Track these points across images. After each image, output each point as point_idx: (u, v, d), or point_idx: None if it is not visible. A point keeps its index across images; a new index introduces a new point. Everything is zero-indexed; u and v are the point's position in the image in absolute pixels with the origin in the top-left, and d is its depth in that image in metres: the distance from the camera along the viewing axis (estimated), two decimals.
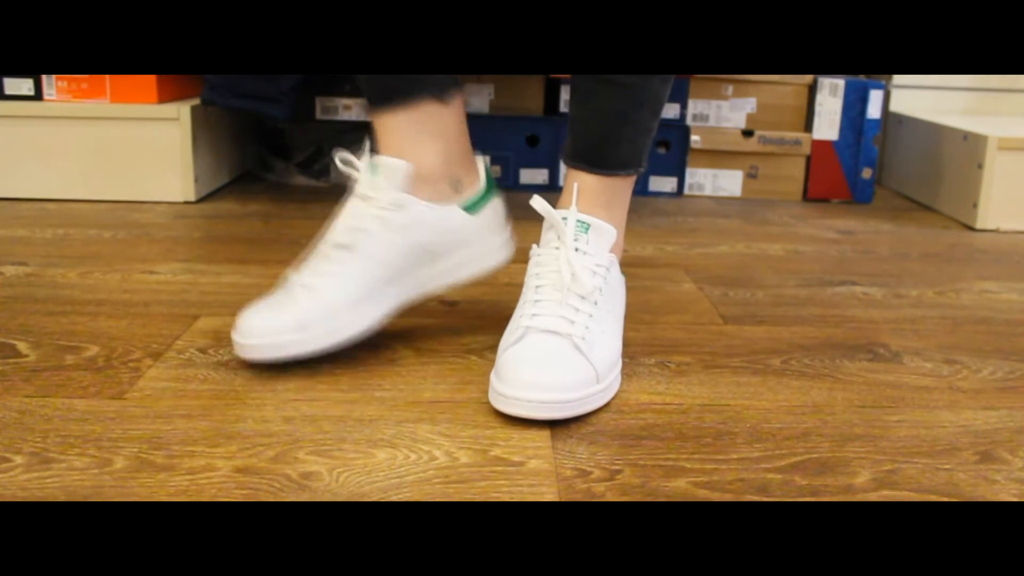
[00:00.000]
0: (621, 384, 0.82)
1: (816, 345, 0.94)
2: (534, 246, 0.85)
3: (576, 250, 0.81)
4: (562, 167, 1.13)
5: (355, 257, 0.85)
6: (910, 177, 1.83)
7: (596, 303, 0.80)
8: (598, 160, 0.85)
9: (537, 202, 0.82)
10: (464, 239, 0.90)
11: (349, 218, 0.86)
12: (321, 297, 0.83)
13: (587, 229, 0.82)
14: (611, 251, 0.84)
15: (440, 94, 0.89)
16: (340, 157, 0.88)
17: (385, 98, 0.89)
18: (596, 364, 0.76)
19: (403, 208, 0.86)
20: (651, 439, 0.72)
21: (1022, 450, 0.72)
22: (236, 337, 0.82)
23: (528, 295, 0.81)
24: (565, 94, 1.70)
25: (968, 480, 0.67)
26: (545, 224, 0.84)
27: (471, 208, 0.90)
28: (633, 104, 0.83)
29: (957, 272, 1.27)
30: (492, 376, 0.77)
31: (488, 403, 0.76)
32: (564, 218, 0.82)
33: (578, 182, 0.85)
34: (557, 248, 0.82)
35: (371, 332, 0.86)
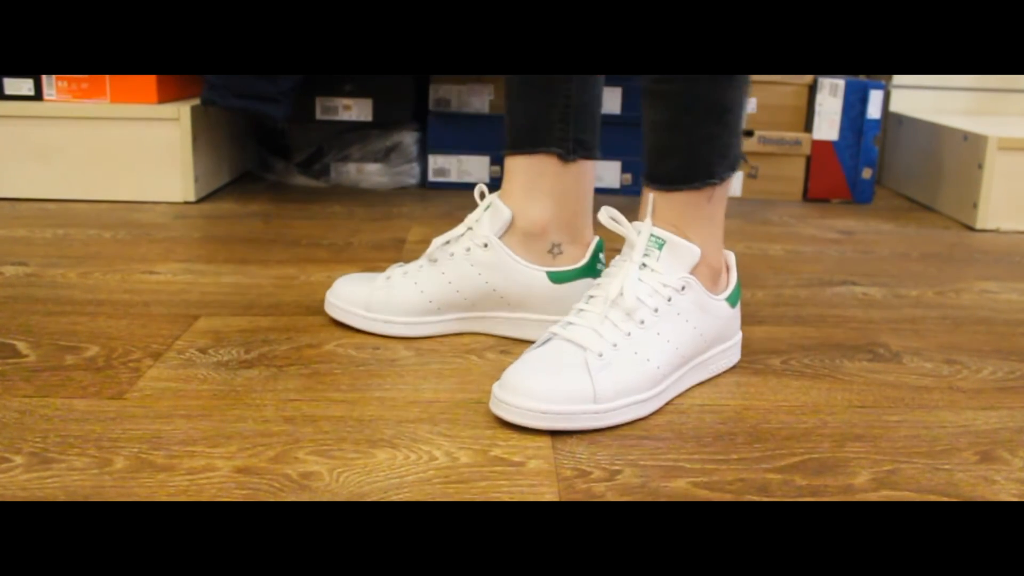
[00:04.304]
0: None
1: (816, 345, 0.94)
2: (616, 258, 0.83)
3: (644, 266, 0.78)
4: None
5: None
6: (910, 177, 1.83)
7: (643, 322, 0.76)
8: (657, 175, 0.81)
9: (607, 212, 0.79)
10: (537, 302, 0.90)
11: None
12: None
13: (661, 246, 0.78)
14: (692, 272, 0.79)
15: (563, 153, 0.89)
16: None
17: (513, 144, 0.91)
18: (599, 384, 0.73)
19: (490, 249, 0.89)
20: (651, 439, 0.72)
21: (1022, 450, 0.72)
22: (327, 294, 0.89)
23: (578, 303, 0.79)
24: None
25: (968, 480, 0.67)
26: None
27: (558, 277, 0.90)
28: (676, 112, 0.79)
29: (957, 272, 1.27)
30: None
31: (488, 403, 0.76)
32: (639, 232, 0.79)
33: (653, 197, 0.81)
34: (625, 262, 0.79)
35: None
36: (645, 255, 0.78)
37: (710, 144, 0.80)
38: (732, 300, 0.84)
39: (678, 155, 0.80)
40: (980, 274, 1.26)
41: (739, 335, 0.87)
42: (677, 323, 0.78)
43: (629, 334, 0.76)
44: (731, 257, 0.87)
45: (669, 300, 0.78)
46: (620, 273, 0.77)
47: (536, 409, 0.71)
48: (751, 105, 1.76)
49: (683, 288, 0.78)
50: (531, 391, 0.71)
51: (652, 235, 0.78)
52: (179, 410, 0.74)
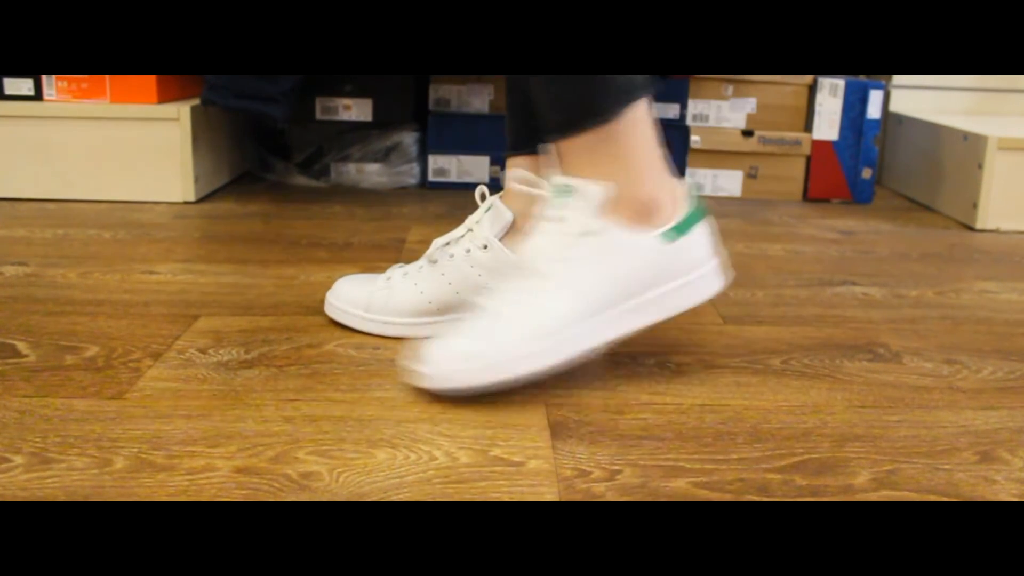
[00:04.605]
0: (621, 384, 0.82)
1: (816, 345, 0.94)
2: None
3: (552, 219, 0.78)
4: None
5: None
6: (910, 177, 1.83)
7: (545, 275, 0.77)
8: (549, 127, 0.79)
9: (517, 176, 0.81)
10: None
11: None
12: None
13: (569, 193, 0.77)
14: (611, 212, 0.77)
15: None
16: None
17: (514, 144, 0.90)
18: (496, 337, 0.76)
19: (490, 250, 0.89)
20: (651, 439, 0.72)
21: (1022, 450, 0.72)
22: (328, 294, 0.82)
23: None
24: None
25: (968, 480, 0.67)
26: None
27: None
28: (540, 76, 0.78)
29: (957, 272, 1.27)
30: None
31: (488, 403, 0.76)
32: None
33: (556, 150, 0.80)
34: (539, 219, 0.80)
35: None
36: (554, 207, 0.78)
37: (586, 82, 0.77)
38: (671, 233, 0.80)
39: (559, 102, 0.78)
40: (980, 274, 1.26)
41: (703, 268, 0.82)
42: (585, 269, 0.77)
43: (530, 289, 0.78)
44: (678, 187, 0.82)
45: (574, 247, 0.77)
46: (533, 231, 0.79)
47: (437, 373, 0.76)
48: (750, 105, 1.76)
49: (591, 233, 0.77)
50: (434, 357, 0.76)
51: (558, 185, 0.78)
52: (179, 410, 0.74)
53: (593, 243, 0.77)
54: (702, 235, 0.82)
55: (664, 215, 0.80)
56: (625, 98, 0.77)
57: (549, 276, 0.77)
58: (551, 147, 0.80)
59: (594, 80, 0.77)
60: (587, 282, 0.77)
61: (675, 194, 0.82)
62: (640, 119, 0.79)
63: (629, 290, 0.79)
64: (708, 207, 0.86)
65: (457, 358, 0.76)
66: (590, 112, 0.77)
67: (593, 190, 0.77)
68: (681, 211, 0.81)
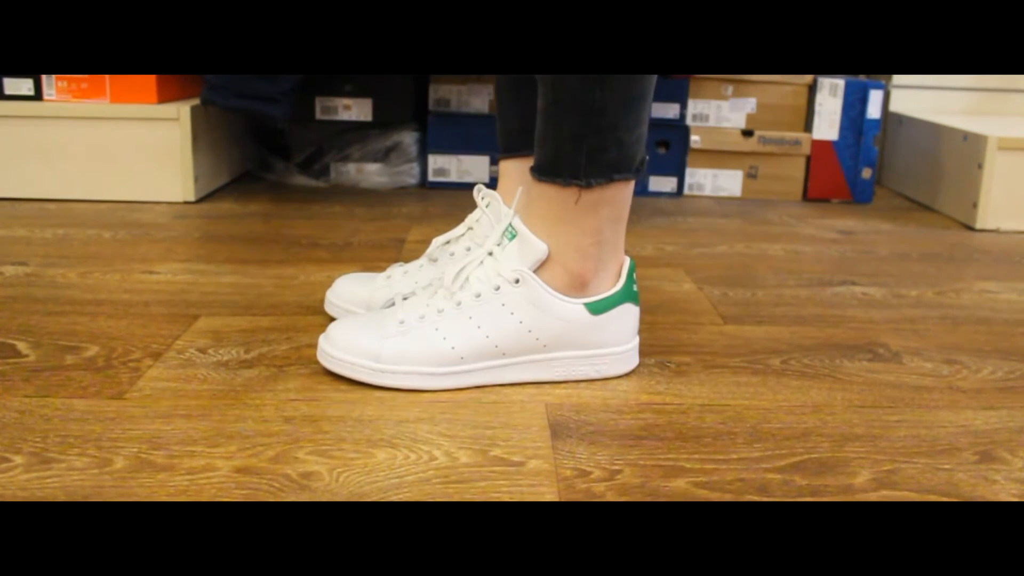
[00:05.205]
0: (621, 384, 0.82)
1: (816, 345, 0.94)
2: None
3: (490, 253, 0.80)
4: None
5: None
6: (910, 177, 1.83)
7: (459, 304, 0.79)
8: (534, 163, 0.79)
9: (479, 195, 0.84)
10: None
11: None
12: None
13: (512, 237, 0.79)
14: (539, 269, 0.79)
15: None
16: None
17: (506, 147, 0.92)
18: (385, 347, 0.78)
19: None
20: (651, 439, 0.72)
21: (1022, 450, 0.72)
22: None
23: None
24: None
25: (968, 480, 0.67)
26: None
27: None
28: (548, 101, 0.76)
29: (957, 272, 1.27)
30: None
31: (488, 403, 0.76)
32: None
33: (528, 186, 0.80)
34: (479, 245, 0.84)
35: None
36: (497, 244, 0.80)
37: (577, 142, 0.76)
38: (597, 305, 0.81)
39: (547, 145, 0.78)
40: (980, 274, 1.26)
41: (620, 347, 0.83)
42: (497, 313, 0.79)
43: (441, 311, 0.79)
44: (623, 265, 0.83)
45: (497, 289, 0.79)
46: (470, 256, 0.81)
47: (331, 354, 0.79)
48: (750, 105, 1.76)
49: (516, 281, 0.78)
50: (335, 339, 0.79)
51: (509, 225, 0.80)
52: (179, 410, 0.74)
53: (520, 292, 0.79)
54: (628, 316, 0.83)
55: (595, 287, 0.81)
56: (606, 172, 0.77)
57: (467, 309, 0.79)
58: (528, 182, 0.80)
59: (581, 140, 0.76)
60: (502, 329, 0.79)
61: (616, 271, 0.82)
62: (612, 201, 0.78)
63: (541, 345, 0.80)
64: (640, 294, 0.84)
65: (352, 350, 0.79)
66: (566, 168, 0.77)
67: (533, 245, 0.78)
68: (616, 287, 0.82)
